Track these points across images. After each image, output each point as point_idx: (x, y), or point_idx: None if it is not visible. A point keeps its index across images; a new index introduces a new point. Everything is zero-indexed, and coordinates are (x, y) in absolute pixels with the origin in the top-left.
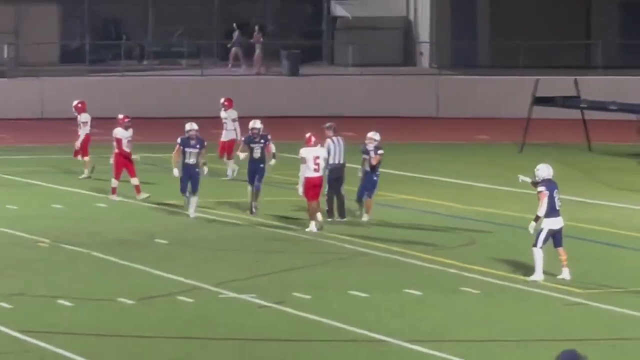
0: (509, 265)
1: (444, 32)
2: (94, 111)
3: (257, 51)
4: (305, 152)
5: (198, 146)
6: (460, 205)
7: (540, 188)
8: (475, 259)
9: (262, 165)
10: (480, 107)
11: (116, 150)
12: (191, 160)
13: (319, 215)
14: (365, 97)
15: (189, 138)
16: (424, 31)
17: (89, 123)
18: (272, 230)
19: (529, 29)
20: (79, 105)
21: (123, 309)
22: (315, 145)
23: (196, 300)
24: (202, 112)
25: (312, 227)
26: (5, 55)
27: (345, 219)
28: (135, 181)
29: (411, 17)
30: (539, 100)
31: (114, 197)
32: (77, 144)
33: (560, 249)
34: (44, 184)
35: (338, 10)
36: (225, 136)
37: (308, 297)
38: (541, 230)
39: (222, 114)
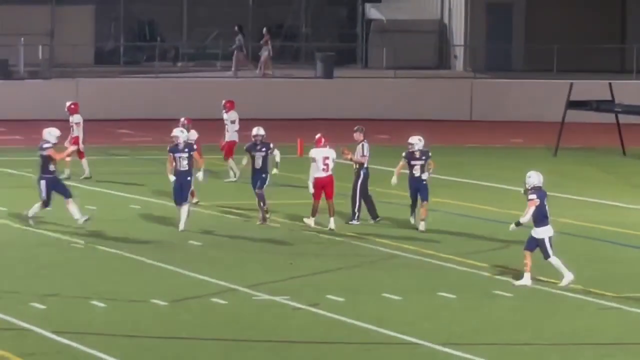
0: (542, 269)
1: (478, 36)
2: (127, 112)
3: (265, 53)
4: (315, 152)
5: (187, 150)
6: (494, 208)
7: (532, 196)
8: (509, 262)
9: (264, 176)
10: (514, 110)
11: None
12: (182, 167)
13: (313, 220)
14: (399, 100)
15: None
16: (458, 34)
17: (81, 124)
18: (306, 233)
19: (564, 33)
20: (72, 106)
21: (156, 311)
22: (324, 146)
23: (230, 302)
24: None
25: (311, 221)
26: (40, 57)
27: (379, 219)
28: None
29: (445, 20)
30: (573, 104)
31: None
32: (68, 144)
33: (528, 253)
34: (78, 185)
35: (373, 13)
36: (227, 138)
37: (342, 299)
38: (542, 240)
39: (224, 116)
